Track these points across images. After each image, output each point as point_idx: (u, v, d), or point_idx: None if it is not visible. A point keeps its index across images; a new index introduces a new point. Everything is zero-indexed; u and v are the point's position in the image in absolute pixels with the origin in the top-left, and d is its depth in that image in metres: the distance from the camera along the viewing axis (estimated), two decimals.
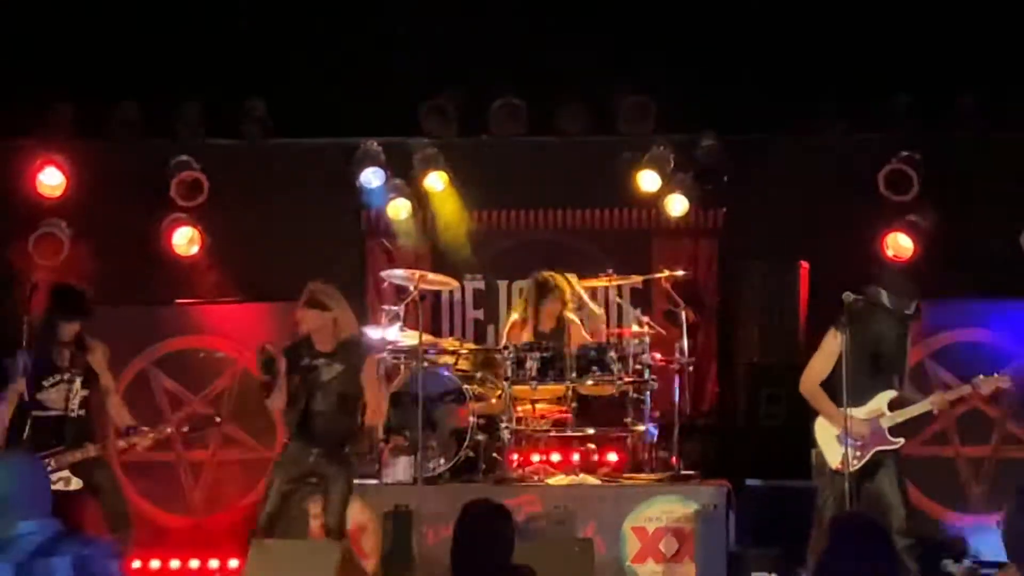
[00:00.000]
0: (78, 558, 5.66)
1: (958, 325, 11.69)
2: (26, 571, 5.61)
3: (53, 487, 9.28)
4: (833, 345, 9.62)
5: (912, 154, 12.26)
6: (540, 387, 11.27)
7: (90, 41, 12.42)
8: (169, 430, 10.08)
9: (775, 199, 12.46)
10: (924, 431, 11.47)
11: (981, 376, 9.72)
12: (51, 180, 12.51)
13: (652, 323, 11.65)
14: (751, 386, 11.90)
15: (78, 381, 9.79)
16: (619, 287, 12.34)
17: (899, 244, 12.33)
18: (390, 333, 11.51)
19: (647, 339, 11.44)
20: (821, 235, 12.20)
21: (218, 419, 10.76)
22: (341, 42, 12.57)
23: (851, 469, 9.44)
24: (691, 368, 11.60)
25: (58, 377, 9.79)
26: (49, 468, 9.52)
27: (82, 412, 9.79)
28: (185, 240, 12.60)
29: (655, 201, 12.60)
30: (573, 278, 11.79)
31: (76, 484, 9.70)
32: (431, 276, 11.65)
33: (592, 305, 11.96)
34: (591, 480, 11.21)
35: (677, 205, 12.52)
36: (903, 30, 12.28)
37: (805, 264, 12.05)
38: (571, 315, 11.74)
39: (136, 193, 12.62)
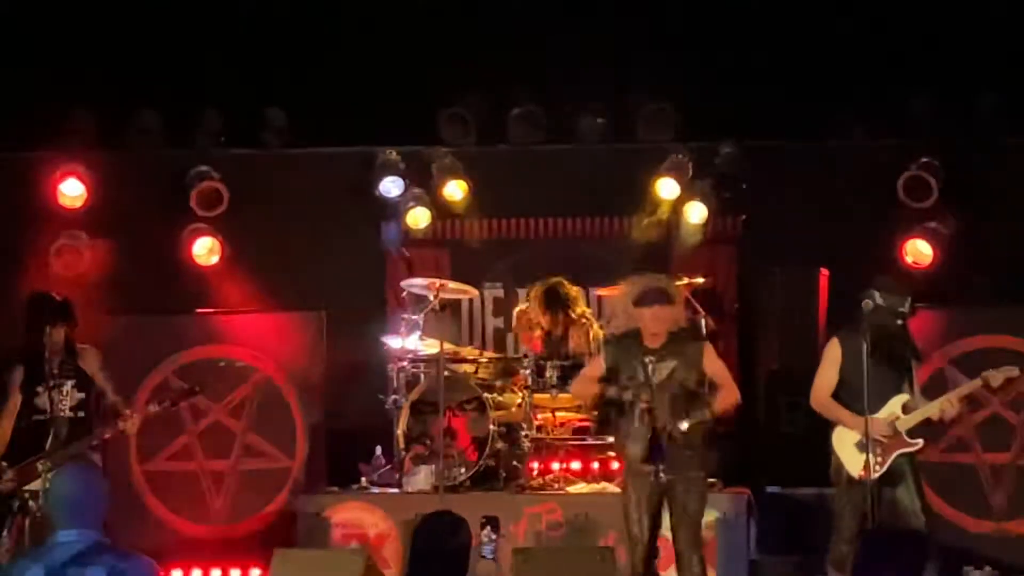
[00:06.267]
0: (113, 571, 5.69)
1: (978, 331, 11.64)
2: None
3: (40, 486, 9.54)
4: (835, 354, 9.66)
5: (931, 160, 12.24)
6: (560, 395, 11.30)
7: (109, 51, 12.46)
8: (153, 408, 10.05)
9: (794, 206, 12.46)
10: (944, 438, 11.44)
11: (991, 369, 9.74)
12: (72, 191, 12.55)
13: None
14: (771, 393, 11.89)
15: (68, 384, 9.86)
16: None
17: (918, 250, 12.32)
18: (410, 342, 11.54)
19: None
20: (840, 242, 12.18)
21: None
22: (360, 51, 12.59)
23: (873, 476, 9.44)
24: None
25: (51, 383, 9.85)
26: (42, 468, 9.61)
27: (78, 414, 9.84)
28: (205, 250, 12.63)
29: (674, 208, 12.60)
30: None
31: None
32: (451, 285, 11.68)
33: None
34: (612, 488, 11.22)
35: (696, 212, 12.53)
36: (921, 35, 12.27)
37: (825, 271, 12.03)
38: (582, 318, 11.75)
39: (156, 203, 12.67)
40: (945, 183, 12.22)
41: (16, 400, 9.89)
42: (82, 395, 9.88)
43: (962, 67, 12.28)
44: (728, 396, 9.46)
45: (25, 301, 10.28)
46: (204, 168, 12.62)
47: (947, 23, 12.24)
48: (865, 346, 9.41)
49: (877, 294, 9.57)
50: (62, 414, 9.76)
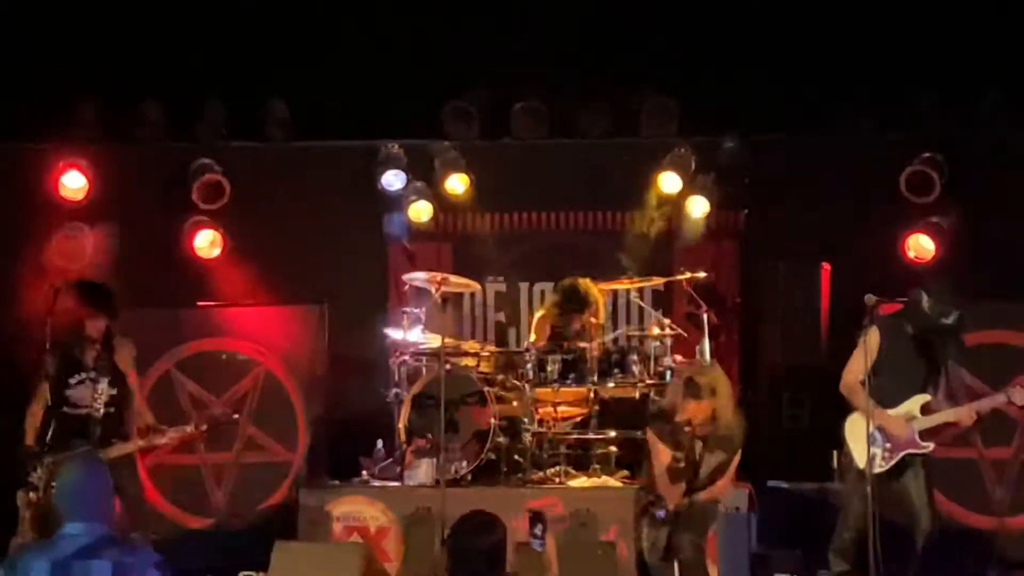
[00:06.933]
0: (119, 565, 5.69)
1: (980, 326, 11.62)
2: (63, 571, 5.66)
3: None
4: (871, 343, 9.63)
5: (934, 155, 12.24)
6: (562, 389, 11.30)
7: (112, 44, 12.45)
8: (189, 429, 10.08)
9: (796, 200, 12.44)
10: (945, 432, 11.43)
11: (1019, 386, 9.69)
12: (74, 183, 12.55)
13: (673, 325, 11.66)
14: (773, 388, 11.89)
15: (104, 380, 9.84)
16: (640, 289, 12.32)
17: (921, 246, 12.32)
18: (412, 335, 11.54)
19: (668, 341, 11.45)
20: (843, 237, 12.18)
21: (236, 416, 10.67)
22: (363, 44, 12.58)
23: (880, 470, 9.45)
24: None
25: (84, 375, 9.85)
26: None
27: (110, 410, 9.84)
28: (207, 243, 12.63)
29: (676, 203, 12.59)
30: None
31: None
32: (453, 279, 11.67)
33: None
34: (613, 482, 11.22)
35: (698, 207, 12.51)
36: (925, 30, 12.26)
37: (827, 266, 12.03)
38: (598, 322, 11.75)
39: (158, 196, 12.67)
40: (947, 178, 12.22)
41: (48, 385, 9.87)
42: (114, 391, 9.89)
43: (966, 63, 12.27)
44: (722, 490, 9.74)
45: (70, 288, 10.25)
46: (206, 161, 12.61)
47: (951, 19, 12.23)
48: (868, 340, 9.41)
49: (925, 296, 9.56)
50: (97, 412, 9.75)
